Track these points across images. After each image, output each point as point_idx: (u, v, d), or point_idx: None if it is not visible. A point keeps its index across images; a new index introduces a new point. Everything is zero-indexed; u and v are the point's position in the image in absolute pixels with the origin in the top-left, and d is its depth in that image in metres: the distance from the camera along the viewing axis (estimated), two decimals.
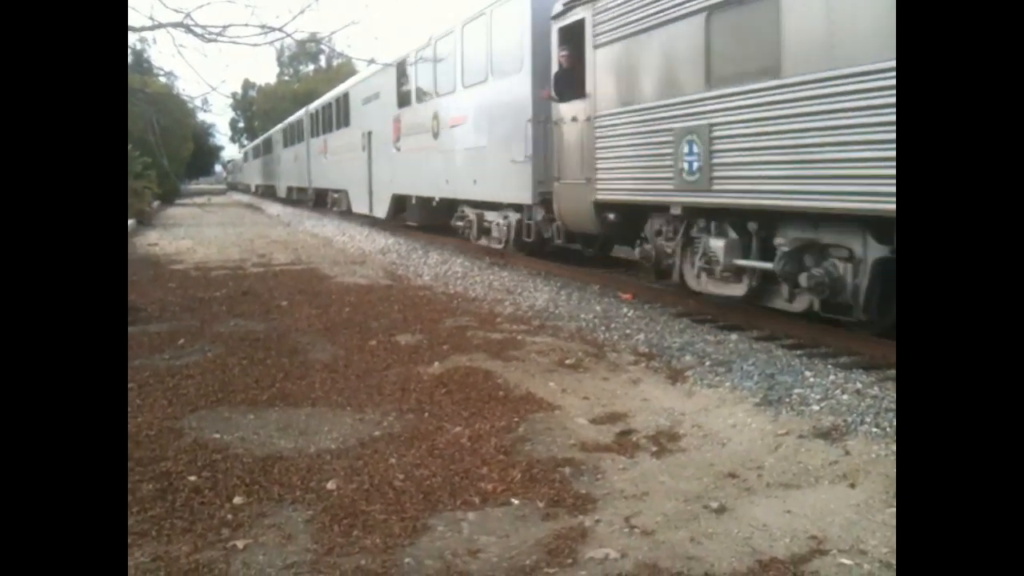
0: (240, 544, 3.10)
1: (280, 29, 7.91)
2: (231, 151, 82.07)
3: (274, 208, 32.32)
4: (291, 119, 32.59)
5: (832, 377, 5.12)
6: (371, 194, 18.48)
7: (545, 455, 4.01)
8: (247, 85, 75.42)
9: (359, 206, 19.95)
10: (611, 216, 8.51)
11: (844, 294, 5.70)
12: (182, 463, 3.94)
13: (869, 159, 5.01)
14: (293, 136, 31.29)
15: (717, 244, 6.87)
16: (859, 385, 4.90)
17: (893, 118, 4.65)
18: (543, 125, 9.75)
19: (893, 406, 4.45)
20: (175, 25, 7.63)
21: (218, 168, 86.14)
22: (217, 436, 4.37)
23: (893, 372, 5.21)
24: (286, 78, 74.19)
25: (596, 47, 8.35)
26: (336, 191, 23.51)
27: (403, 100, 15.76)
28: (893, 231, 5.08)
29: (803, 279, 5.94)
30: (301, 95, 51.09)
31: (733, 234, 6.78)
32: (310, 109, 27.47)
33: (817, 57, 5.33)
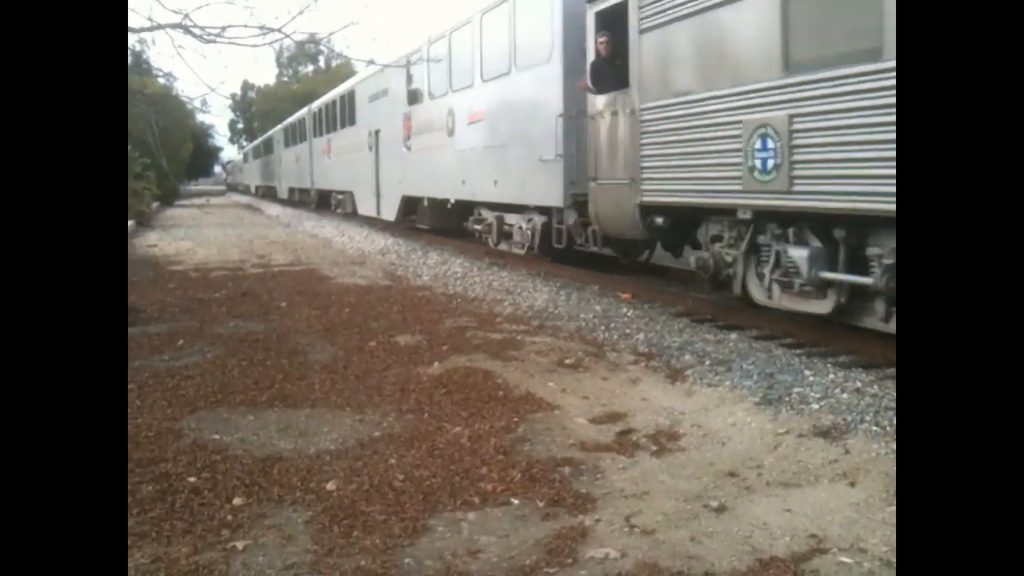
0: (240, 545, 3.10)
1: (279, 30, 7.92)
2: (230, 152, 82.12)
3: (273, 209, 32.31)
4: (293, 118, 31.86)
5: (832, 376, 5.12)
6: (378, 195, 17.76)
7: (545, 455, 4.01)
8: (246, 86, 75.42)
9: (365, 208, 19.18)
10: (658, 220, 7.59)
11: None
12: (182, 464, 3.94)
13: None
14: (295, 136, 30.52)
15: (799, 254, 5.92)
16: (859, 384, 4.90)
17: None
18: (575, 120, 8.97)
19: (893, 404, 4.45)
20: (174, 26, 7.64)
21: (217, 169, 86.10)
22: (216, 437, 4.37)
23: (892, 371, 5.21)
24: (285, 79, 74.18)
25: (642, 31, 7.45)
26: (340, 192, 22.82)
27: (414, 97, 14.97)
28: None
29: None
30: (300, 96, 51.07)
31: (816, 242, 5.87)
32: (312, 108, 26.74)
33: None
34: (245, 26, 7.86)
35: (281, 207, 32.64)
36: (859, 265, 5.62)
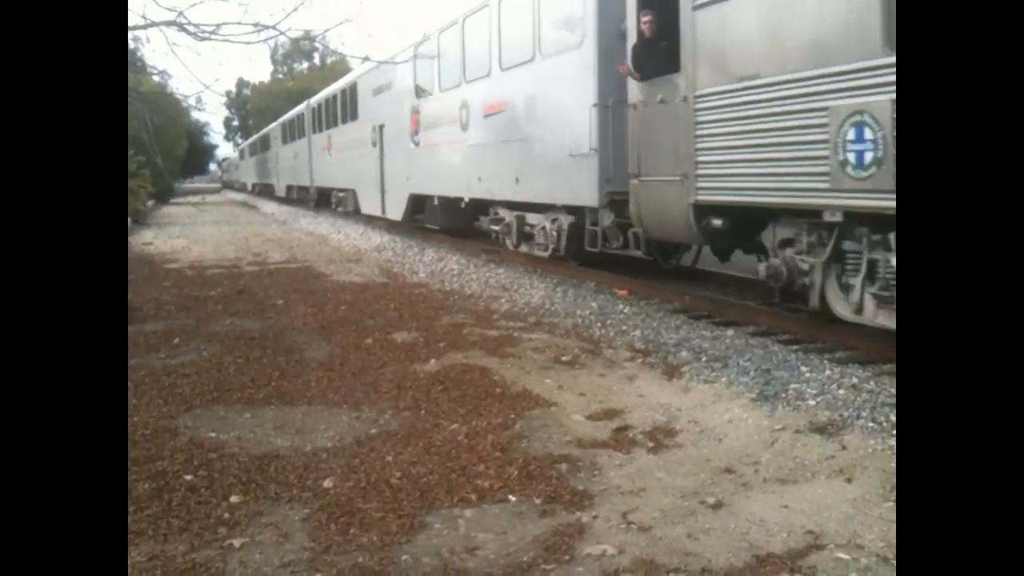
0: (237, 543, 3.10)
1: (274, 27, 7.88)
2: (225, 150, 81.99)
3: (269, 207, 32.26)
4: (291, 114, 30.88)
5: (828, 372, 5.12)
6: (383, 193, 16.85)
7: (542, 452, 4.01)
8: (241, 83, 75.33)
9: (369, 207, 18.21)
10: (716, 222, 6.70)
11: None
12: (178, 462, 3.93)
13: None
14: (293, 132, 29.49)
15: None
16: (855, 380, 4.91)
17: None
18: (611, 111, 8.11)
19: (889, 400, 4.46)
20: (168, 23, 7.60)
21: (213, 167, 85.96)
22: (213, 435, 4.37)
23: (889, 367, 5.22)
24: (280, 76, 74.04)
25: (697, 7, 6.58)
26: (342, 190, 21.82)
27: (423, 89, 14.03)
28: None
29: None
30: (295, 93, 50.98)
31: None
32: (311, 103, 25.81)
33: None
34: (239, 23, 7.82)
35: (277, 204, 32.58)
36: None
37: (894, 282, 5.15)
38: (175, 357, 6.15)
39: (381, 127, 16.75)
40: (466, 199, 12.37)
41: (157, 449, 4.12)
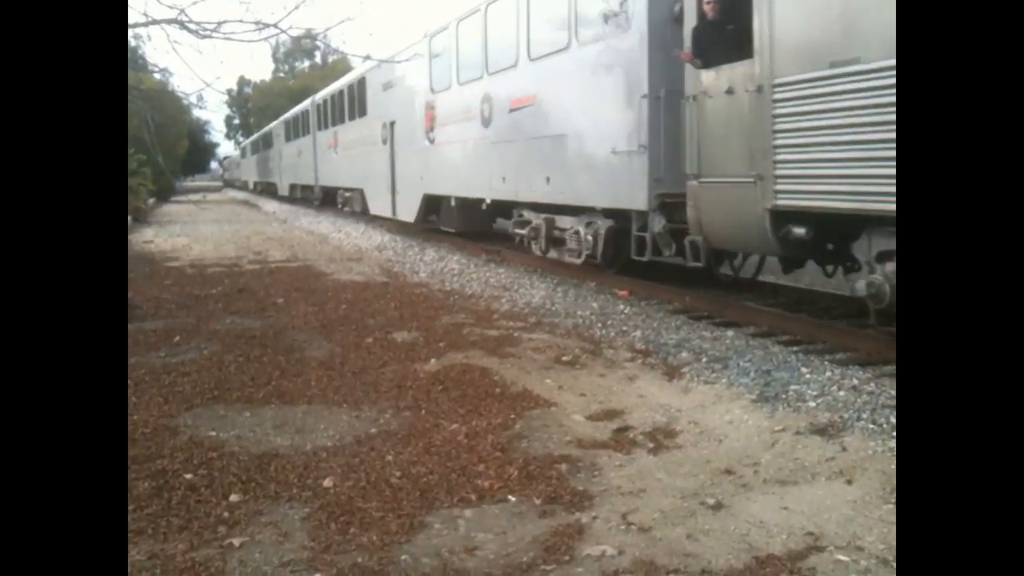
0: (236, 542, 3.09)
1: (275, 25, 7.88)
2: (226, 148, 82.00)
3: (270, 205, 32.26)
4: (294, 110, 30.09)
5: (828, 373, 5.12)
6: (394, 193, 15.89)
7: (542, 452, 4.01)
8: (242, 82, 75.28)
9: (379, 207, 17.24)
10: (797, 230, 5.88)
11: None
12: (178, 461, 3.93)
13: None
14: (297, 129, 28.59)
15: None
16: (855, 381, 4.90)
17: None
18: (663, 102, 7.31)
19: (890, 402, 4.46)
20: (170, 21, 7.60)
21: (214, 165, 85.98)
22: (213, 434, 4.36)
23: (889, 368, 5.22)
24: (281, 75, 74.04)
25: None
26: (348, 190, 20.84)
27: (439, 82, 13.08)
28: None
29: None
30: (296, 92, 50.97)
31: None
32: (316, 99, 24.96)
33: None
34: (241, 21, 7.82)
35: (278, 203, 32.58)
36: None
37: None
38: (175, 355, 6.15)
39: (392, 124, 15.93)
40: (488, 200, 11.54)
41: (157, 448, 4.12)
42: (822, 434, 4.16)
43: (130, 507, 3.37)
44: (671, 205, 7.44)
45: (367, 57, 11.24)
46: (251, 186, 48.49)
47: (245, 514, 3.34)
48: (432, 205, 14.22)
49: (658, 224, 7.56)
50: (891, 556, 2.86)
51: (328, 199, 24.33)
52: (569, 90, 8.94)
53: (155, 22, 7.71)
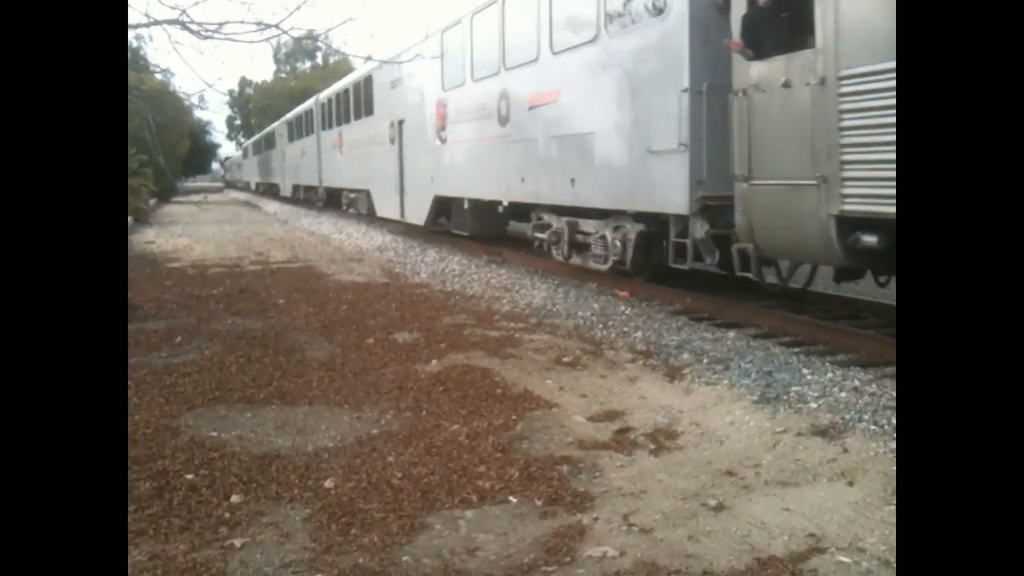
0: (238, 543, 3.09)
1: (276, 26, 7.88)
2: (228, 149, 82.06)
3: (272, 206, 32.27)
4: (298, 110, 29.47)
5: (830, 374, 5.12)
6: (402, 195, 15.29)
7: (543, 453, 4.01)
8: (244, 82, 75.29)
9: (386, 209, 16.67)
10: (867, 239, 5.32)
11: None
12: (179, 461, 3.93)
13: None
14: (301, 129, 27.99)
15: None
16: (857, 382, 4.90)
17: None
18: (705, 97, 6.75)
19: (891, 403, 4.46)
20: (171, 22, 7.61)
21: (215, 166, 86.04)
22: (214, 434, 4.36)
23: (891, 369, 5.21)
24: (283, 75, 74.11)
25: None
26: (354, 191, 20.35)
27: (451, 79, 12.51)
28: None
29: None
30: (298, 92, 50.99)
31: None
32: (321, 98, 24.37)
33: None
34: (242, 22, 7.82)
35: (280, 204, 32.59)
36: None
37: None
38: (177, 356, 6.15)
39: (400, 123, 15.33)
40: (504, 203, 10.97)
41: (158, 448, 4.12)
42: (823, 435, 4.16)
43: (131, 508, 3.37)
44: (713, 209, 6.91)
45: (368, 58, 11.22)
46: (253, 187, 48.39)
47: (246, 515, 3.34)
48: (443, 207, 13.66)
49: (700, 229, 6.94)
50: (893, 557, 2.85)
51: (332, 200, 23.92)
52: (597, 85, 8.30)
53: (156, 23, 7.72)
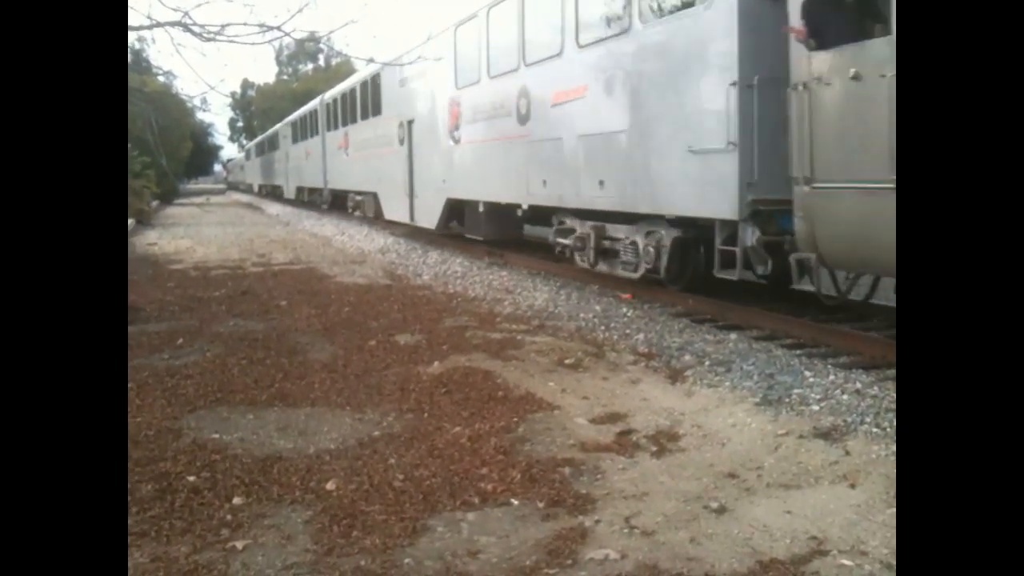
0: (239, 545, 3.09)
1: (279, 28, 7.89)
2: (230, 151, 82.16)
3: (274, 208, 32.30)
4: (302, 110, 28.82)
5: (832, 377, 5.11)
6: (412, 197, 14.73)
7: (545, 455, 4.01)
8: (246, 84, 75.43)
9: (395, 212, 16.09)
10: None
11: None
12: (181, 463, 3.94)
13: None
14: (305, 130, 27.40)
15: None
16: (859, 385, 4.89)
17: None
18: (757, 91, 6.15)
19: (893, 406, 4.45)
20: (173, 24, 7.62)
21: (217, 167, 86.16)
22: (216, 436, 4.37)
23: (893, 372, 5.21)
24: (285, 77, 74.25)
25: None
26: (360, 193, 19.69)
27: (465, 76, 11.99)
28: None
29: None
30: (300, 94, 51.04)
31: None
32: (326, 98, 23.76)
33: None
34: (245, 24, 7.83)
35: (282, 206, 32.61)
36: None
37: None
38: (179, 358, 6.16)
39: (410, 122, 14.75)
40: (524, 206, 10.38)
41: (160, 450, 4.12)
42: (825, 438, 4.15)
43: (133, 509, 3.37)
44: (763, 214, 6.33)
45: (370, 60, 11.21)
46: (255, 189, 48.34)
47: (248, 517, 3.35)
48: (456, 210, 13.05)
49: (751, 236, 6.28)
50: (895, 560, 2.85)
51: (337, 203, 23.40)
52: (630, 79, 7.67)
53: (159, 25, 7.73)
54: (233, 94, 66.90)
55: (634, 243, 8.12)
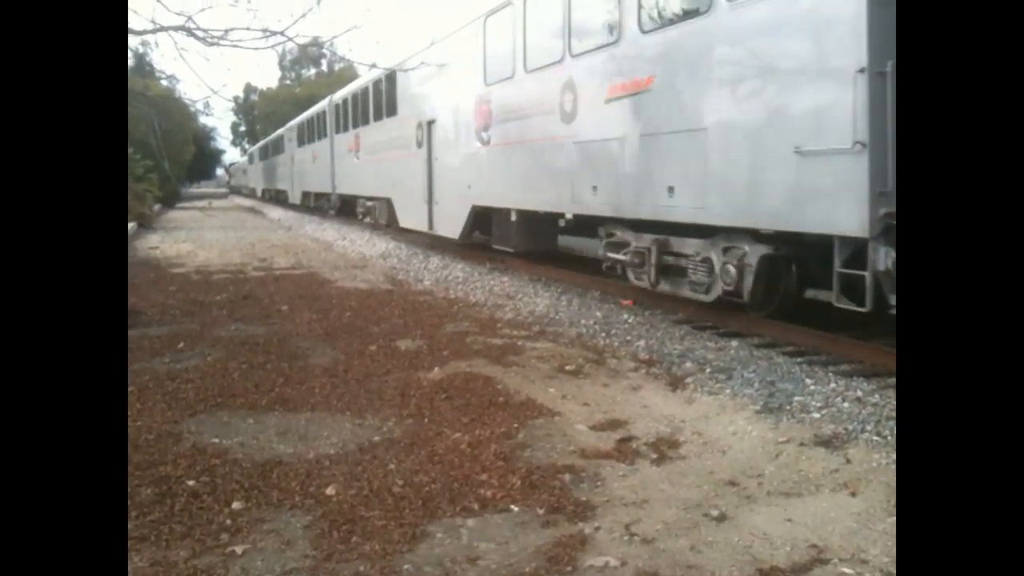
0: (239, 550, 3.09)
1: (282, 33, 7.93)
2: (232, 155, 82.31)
3: (276, 212, 32.34)
4: (309, 112, 27.88)
5: (833, 385, 5.11)
6: (431, 204, 13.63)
7: (545, 462, 4.00)
8: (249, 89, 75.68)
9: (411, 219, 15.00)
10: None
11: None
12: (181, 468, 3.93)
13: None
14: (312, 132, 26.30)
15: None
16: (860, 393, 4.89)
17: None
18: (890, 79, 4.95)
19: (894, 414, 4.44)
20: (177, 28, 7.65)
21: (220, 172, 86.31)
22: (216, 441, 4.36)
23: (894, 380, 5.20)
24: (288, 82, 74.40)
25: None
26: (371, 199, 18.54)
27: (496, 71, 10.77)
28: None
29: None
30: (303, 99, 51.13)
31: None
32: (335, 99, 22.60)
33: None
34: (248, 29, 7.88)
35: (284, 210, 32.64)
36: None
37: None
38: (179, 362, 6.16)
39: (430, 123, 13.61)
40: (568, 216, 9.33)
41: (160, 454, 4.12)
42: (826, 446, 4.14)
43: (133, 514, 3.37)
44: (893, 228, 5.15)
45: (373, 65, 11.24)
46: (259, 193, 48.08)
47: (247, 522, 3.34)
48: (481, 219, 11.96)
49: (886, 258, 5.11)
50: (895, 569, 2.84)
51: (346, 209, 22.47)
52: (714, 67, 6.48)
53: (163, 29, 7.76)
54: (236, 98, 67.14)
55: (707, 260, 6.99)
